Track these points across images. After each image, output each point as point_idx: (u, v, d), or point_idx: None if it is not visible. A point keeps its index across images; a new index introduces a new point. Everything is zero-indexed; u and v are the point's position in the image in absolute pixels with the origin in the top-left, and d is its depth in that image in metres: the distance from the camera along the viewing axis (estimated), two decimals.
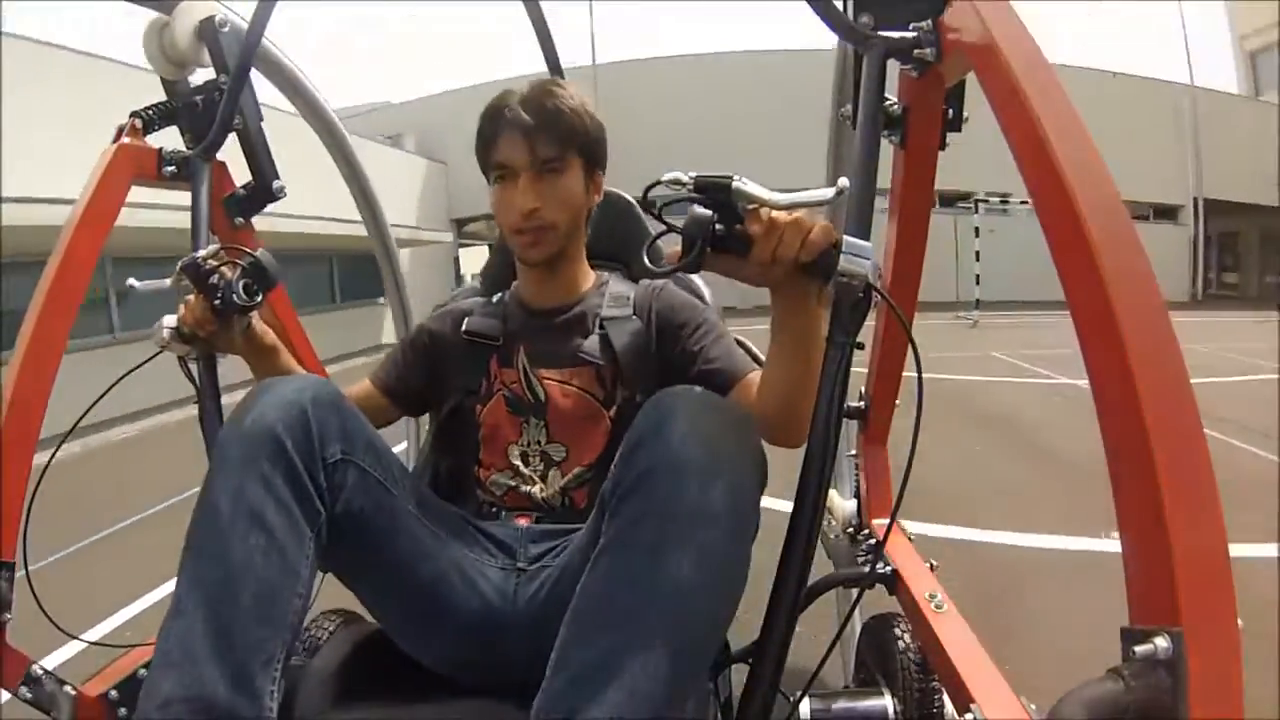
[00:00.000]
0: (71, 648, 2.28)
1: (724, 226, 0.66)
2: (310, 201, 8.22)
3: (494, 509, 1.00)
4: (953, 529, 2.94)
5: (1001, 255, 11.85)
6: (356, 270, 10.24)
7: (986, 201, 11.53)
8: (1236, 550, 0.49)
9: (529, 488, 0.99)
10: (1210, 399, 4.75)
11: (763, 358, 0.90)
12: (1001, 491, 3.58)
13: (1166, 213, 13.73)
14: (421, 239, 11.17)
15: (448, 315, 1.13)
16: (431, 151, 13.20)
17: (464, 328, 1.08)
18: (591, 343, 1.02)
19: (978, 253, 11.40)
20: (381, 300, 11.61)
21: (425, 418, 1.52)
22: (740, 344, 1.11)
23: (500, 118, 0.96)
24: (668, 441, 0.65)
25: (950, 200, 12.49)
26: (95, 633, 2.44)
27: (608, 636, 0.61)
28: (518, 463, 1.01)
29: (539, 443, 1.01)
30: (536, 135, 0.95)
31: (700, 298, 1.31)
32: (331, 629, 1.15)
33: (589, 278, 1.12)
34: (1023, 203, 11.48)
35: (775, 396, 0.83)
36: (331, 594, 0.91)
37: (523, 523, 0.96)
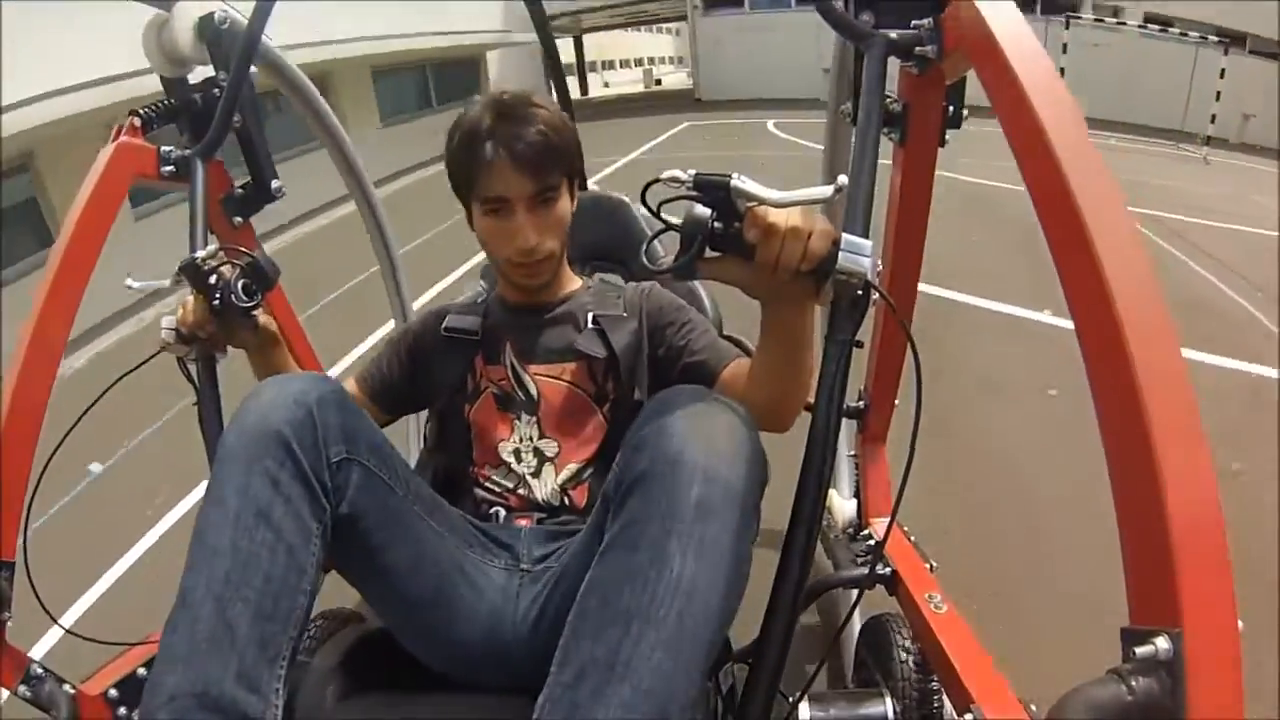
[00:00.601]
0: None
1: (722, 225, 0.66)
2: (401, 21, 8.79)
3: (493, 510, 1.00)
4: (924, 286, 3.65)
5: (1103, 73, 10.54)
6: (448, 75, 11.03)
7: (1098, 20, 10.56)
8: None
9: (526, 490, 0.99)
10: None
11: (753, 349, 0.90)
12: (977, 268, 4.22)
13: None
14: (512, 40, 11.73)
15: (430, 315, 1.12)
16: None
17: (444, 325, 1.08)
18: (588, 337, 1.02)
19: (1062, 69, 9.70)
20: (477, 98, 11.93)
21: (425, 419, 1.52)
22: (736, 341, 1.11)
23: (488, 147, 0.92)
24: (670, 440, 0.65)
25: (1059, 8, 11.00)
26: None
27: (613, 633, 0.61)
28: (510, 460, 1.01)
29: (531, 439, 1.01)
30: (534, 168, 0.92)
31: (696, 294, 1.31)
32: (333, 628, 1.15)
33: (573, 280, 1.12)
34: (1140, 25, 10.52)
35: (765, 389, 0.83)
36: (332, 593, 0.91)
37: (524, 524, 0.96)
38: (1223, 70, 10.06)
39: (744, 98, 13.24)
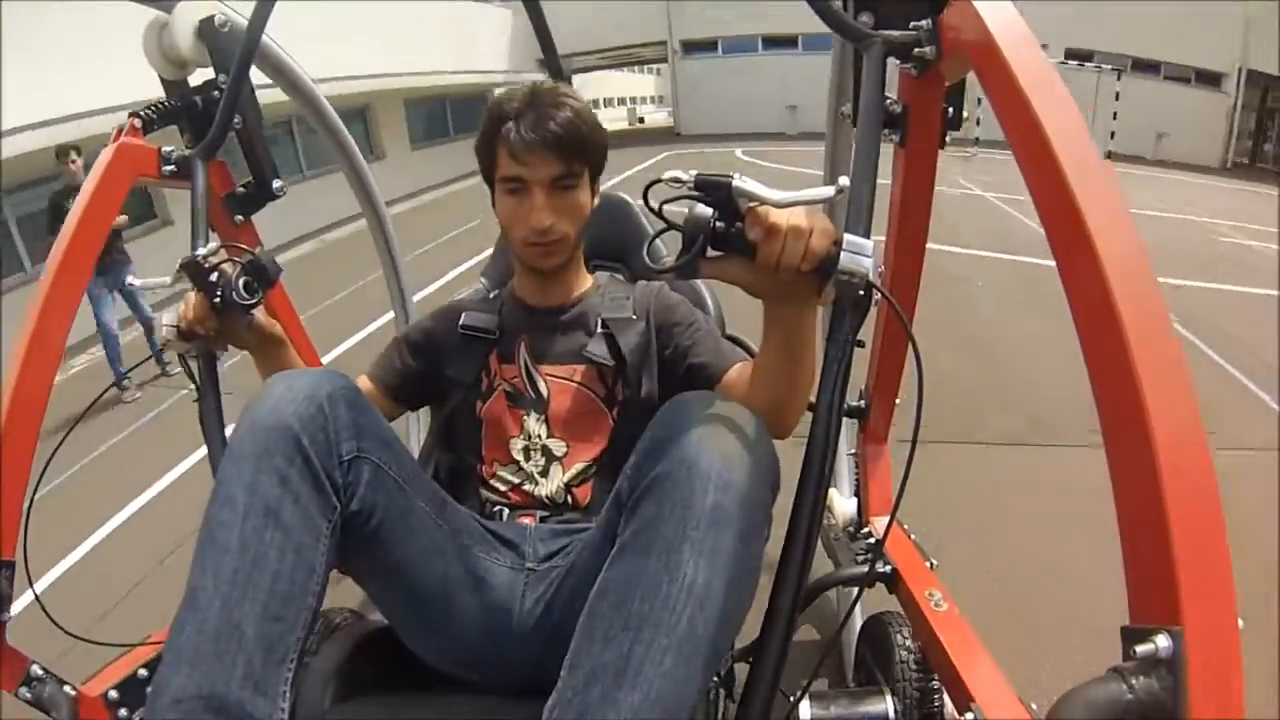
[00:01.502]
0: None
1: (724, 224, 0.66)
2: (424, 61, 10.71)
3: (497, 508, 1.00)
4: None
5: None
6: (466, 108, 13.32)
7: None
8: None
9: (532, 486, 0.99)
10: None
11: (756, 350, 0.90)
12: None
13: (1209, 79, 13.33)
14: (518, 78, 13.62)
15: (444, 312, 1.13)
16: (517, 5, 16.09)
17: (460, 322, 1.08)
18: (596, 343, 1.02)
19: (979, 99, 11.41)
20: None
21: (426, 417, 1.52)
22: (739, 341, 1.11)
23: (515, 126, 0.93)
24: (684, 446, 0.65)
25: None
26: None
27: (624, 638, 0.61)
28: (519, 457, 1.01)
29: (540, 437, 1.01)
30: (557, 152, 0.93)
31: (699, 293, 1.31)
32: (334, 628, 1.15)
33: (586, 280, 1.13)
34: (1061, 61, 11.56)
35: (767, 390, 0.84)
36: (332, 592, 0.91)
37: (528, 522, 0.96)
38: (1117, 93, 11.75)
39: (718, 132, 15.39)
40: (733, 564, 0.63)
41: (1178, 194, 9.27)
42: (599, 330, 1.04)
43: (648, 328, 1.04)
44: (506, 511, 0.99)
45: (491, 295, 1.15)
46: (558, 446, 1.01)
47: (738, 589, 0.64)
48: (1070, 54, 12.19)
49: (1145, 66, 12.79)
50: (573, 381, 1.02)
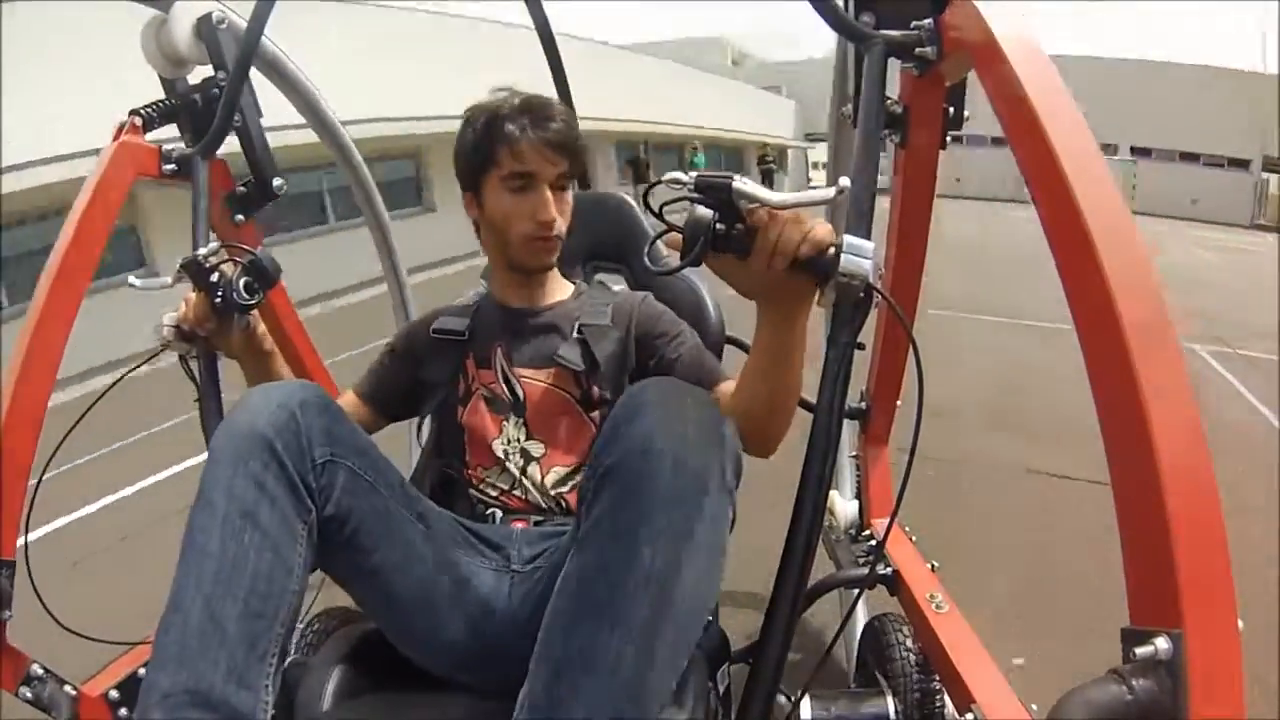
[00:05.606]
0: None
1: (724, 226, 0.67)
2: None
3: (490, 512, 1.00)
4: None
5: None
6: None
7: None
8: None
9: (522, 491, 1.00)
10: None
11: None
12: None
13: (1239, 163, 19.75)
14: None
15: (423, 318, 1.15)
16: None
17: (433, 326, 1.09)
18: (570, 348, 1.03)
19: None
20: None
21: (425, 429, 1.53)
22: (739, 342, 1.11)
23: (518, 125, 0.97)
24: (639, 431, 0.65)
25: None
26: None
27: (586, 628, 0.61)
28: (501, 458, 1.02)
29: (518, 440, 1.02)
30: (561, 152, 0.98)
31: (700, 299, 1.31)
32: (332, 628, 1.16)
33: (566, 286, 1.14)
34: None
35: (751, 397, 0.83)
36: (332, 592, 0.91)
37: (519, 526, 0.97)
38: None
39: None
40: (694, 548, 0.63)
41: None
42: (574, 336, 1.04)
43: (625, 338, 1.05)
44: (499, 515, 0.99)
45: (470, 302, 1.15)
46: (535, 448, 1.01)
47: (701, 573, 0.64)
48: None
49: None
50: (546, 384, 1.03)
